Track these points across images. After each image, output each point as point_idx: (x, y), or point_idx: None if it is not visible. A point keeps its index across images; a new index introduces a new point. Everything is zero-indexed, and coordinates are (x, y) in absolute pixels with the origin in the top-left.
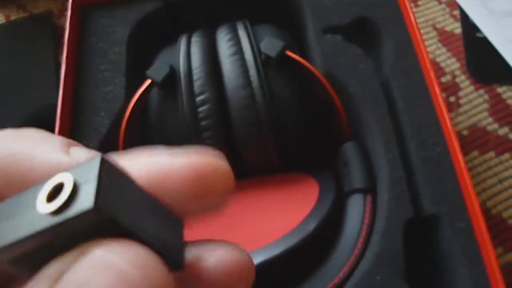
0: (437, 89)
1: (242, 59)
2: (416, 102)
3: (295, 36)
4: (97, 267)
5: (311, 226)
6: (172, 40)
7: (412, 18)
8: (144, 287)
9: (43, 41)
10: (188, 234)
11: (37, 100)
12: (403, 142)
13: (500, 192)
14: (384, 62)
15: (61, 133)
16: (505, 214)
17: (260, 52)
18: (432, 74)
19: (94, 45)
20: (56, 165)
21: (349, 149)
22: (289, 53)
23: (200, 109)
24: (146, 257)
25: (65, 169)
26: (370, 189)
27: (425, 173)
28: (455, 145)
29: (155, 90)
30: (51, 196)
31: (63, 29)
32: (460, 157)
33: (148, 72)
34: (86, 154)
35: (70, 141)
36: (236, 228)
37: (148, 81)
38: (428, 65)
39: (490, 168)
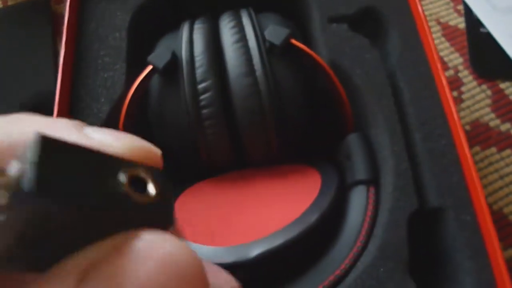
0: (443, 81)
1: (246, 46)
2: (422, 94)
3: (299, 27)
4: (143, 255)
5: (313, 217)
6: (173, 27)
7: (420, 9)
8: (193, 269)
9: (40, 27)
10: (190, 223)
11: (34, 86)
12: (408, 133)
13: (501, 188)
14: (390, 53)
15: None
16: (506, 210)
17: (264, 39)
18: (439, 66)
19: (94, 30)
20: None
21: (353, 141)
22: (294, 41)
23: (202, 96)
24: (185, 245)
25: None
26: (373, 181)
27: (430, 165)
28: (461, 137)
29: (156, 76)
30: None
31: (61, 16)
32: (466, 149)
33: (150, 58)
34: (103, 135)
35: (77, 122)
36: (238, 217)
37: (149, 67)
38: (435, 56)
39: (491, 164)
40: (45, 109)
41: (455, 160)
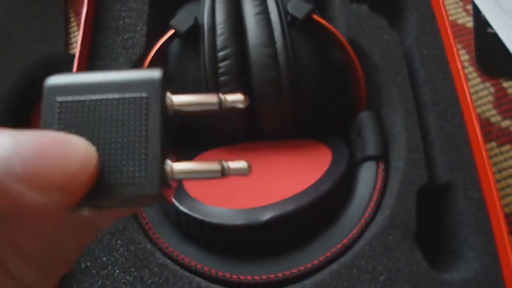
0: (458, 63)
1: (268, 18)
2: (436, 75)
3: (317, 7)
4: None
5: (325, 187)
6: None
7: None
8: None
9: None
10: (204, 185)
11: (44, 48)
12: (421, 112)
13: (498, 181)
14: (407, 35)
15: None
16: (502, 203)
17: (286, 12)
18: (454, 49)
19: None
20: None
21: (365, 118)
22: (315, 16)
23: (221, 64)
24: None
25: None
26: (383, 157)
27: (441, 143)
28: (472, 117)
29: (176, 41)
30: None
31: None
32: (476, 129)
33: (172, 22)
34: None
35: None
36: (251, 182)
37: (171, 32)
38: (451, 39)
39: (490, 157)
40: (56, 71)
41: (465, 139)
